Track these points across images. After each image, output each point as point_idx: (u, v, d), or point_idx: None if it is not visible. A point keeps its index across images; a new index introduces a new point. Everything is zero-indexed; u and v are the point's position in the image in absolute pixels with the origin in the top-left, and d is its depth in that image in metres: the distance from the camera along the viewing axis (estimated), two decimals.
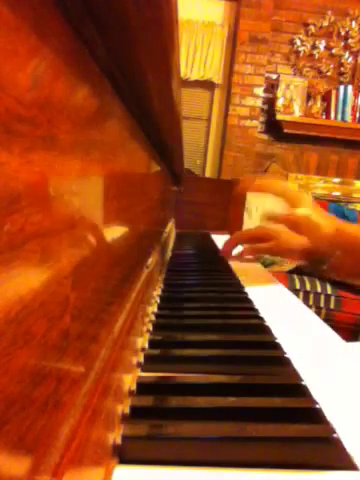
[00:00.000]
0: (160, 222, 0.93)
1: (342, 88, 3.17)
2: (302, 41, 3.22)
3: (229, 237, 1.01)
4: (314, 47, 3.24)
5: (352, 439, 0.28)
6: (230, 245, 0.98)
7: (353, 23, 3.22)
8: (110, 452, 0.25)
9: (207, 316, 0.55)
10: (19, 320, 0.15)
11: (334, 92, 3.17)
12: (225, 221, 1.80)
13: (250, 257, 1.02)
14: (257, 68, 3.20)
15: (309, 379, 0.36)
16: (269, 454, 0.27)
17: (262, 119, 3.28)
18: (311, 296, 1.67)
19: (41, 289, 0.17)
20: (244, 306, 0.59)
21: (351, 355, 0.47)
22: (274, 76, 3.22)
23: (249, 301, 0.62)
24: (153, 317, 0.52)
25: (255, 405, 0.31)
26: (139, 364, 0.38)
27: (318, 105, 3.18)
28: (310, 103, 3.19)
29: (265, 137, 3.30)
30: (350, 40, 3.24)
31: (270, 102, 3.23)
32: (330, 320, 1.56)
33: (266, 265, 1.76)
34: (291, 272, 1.84)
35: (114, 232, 0.34)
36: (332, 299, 1.65)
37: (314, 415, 0.30)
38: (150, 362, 0.39)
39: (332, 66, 3.26)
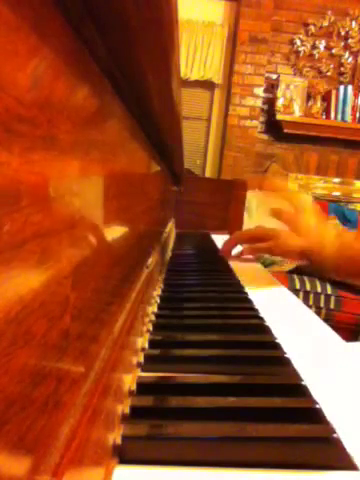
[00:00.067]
0: (160, 222, 0.93)
1: (342, 88, 3.17)
2: (302, 41, 3.23)
3: (229, 237, 1.01)
4: (314, 47, 3.24)
5: (352, 439, 0.28)
6: (229, 245, 0.99)
7: (353, 23, 3.23)
8: (110, 452, 0.25)
9: (207, 316, 0.55)
10: (19, 320, 0.15)
11: (334, 92, 3.17)
12: (225, 221, 1.80)
13: (250, 257, 1.02)
14: (257, 68, 3.20)
15: (309, 379, 0.36)
16: (269, 454, 0.27)
17: (262, 119, 3.29)
18: (311, 296, 1.67)
19: (41, 289, 0.17)
20: (244, 306, 0.59)
21: (351, 355, 0.47)
22: (274, 76, 3.22)
23: (249, 301, 0.62)
24: (153, 317, 0.52)
25: (255, 405, 0.31)
26: (139, 364, 0.38)
27: (318, 105, 3.18)
28: (310, 103, 3.19)
29: (265, 137, 3.30)
30: (350, 40, 3.24)
31: (270, 102, 3.24)
32: (330, 320, 1.56)
33: (266, 265, 1.76)
34: (291, 272, 1.84)
35: (114, 232, 0.34)
36: (332, 299, 1.65)
37: (314, 415, 0.30)
38: (150, 362, 0.39)
39: (332, 66, 3.27)
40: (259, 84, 3.22)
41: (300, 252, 0.83)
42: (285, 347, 0.43)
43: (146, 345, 0.43)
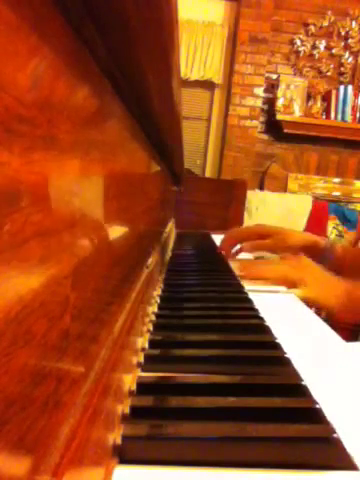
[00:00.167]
0: (160, 222, 0.93)
1: (342, 88, 3.17)
2: (302, 41, 3.22)
3: (226, 233, 0.99)
4: (314, 47, 3.23)
5: (352, 439, 0.28)
6: (230, 243, 0.98)
7: (353, 23, 3.22)
8: (110, 452, 0.25)
9: (207, 316, 0.55)
10: (19, 320, 0.15)
11: (334, 92, 3.17)
12: (225, 221, 1.80)
13: (250, 258, 1.02)
14: (257, 68, 3.20)
15: (309, 379, 0.36)
16: (269, 454, 0.27)
17: (262, 119, 3.28)
18: None
19: (41, 289, 0.17)
20: (244, 306, 0.59)
21: (351, 355, 0.47)
22: (274, 76, 3.22)
23: (249, 301, 0.62)
24: (153, 317, 0.52)
25: (255, 405, 0.31)
26: (139, 364, 0.38)
27: (318, 105, 3.18)
28: (310, 103, 3.19)
29: (265, 137, 3.30)
30: (350, 40, 3.24)
31: (270, 102, 3.23)
32: (330, 320, 1.56)
33: None
34: None
35: (114, 232, 0.34)
36: None
37: (314, 415, 0.30)
38: (150, 362, 0.39)
39: (332, 66, 3.26)
40: (259, 84, 3.22)
41: (301, 248, 0.82)
42: (285, 347, 0.43)
43: (146, 345, 0.43)
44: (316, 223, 2.88)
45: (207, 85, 3.28)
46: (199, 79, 3.21)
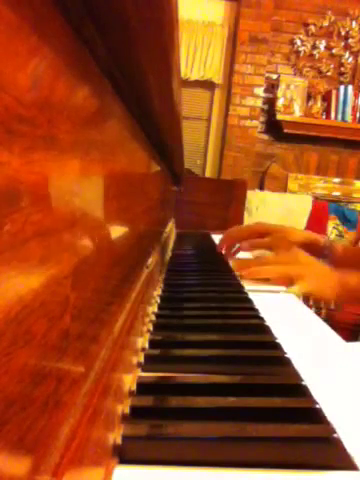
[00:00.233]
0: (160, 222, 0.93)
1: (342, 88, 3.17)
2: (302, 41, 3.22)
3: (225, 232, 0.99)
4: (314, 47, 3.23)
5: (352, 439, 0.28)
6: (227, 242, 0.98)
7: (353, 23, 3.22)
8: (110, 452, 0.25)
9: (207, 316, 0.55)
10: (19, 320, 0.15)
11: (334, 92, 3.17)
12: (225, 221, 1.80)
13: (249, 257, 1.02)
14: (257, 68, 3.20)
15: (309, 379, 0.36)
16: (269, 454, 0.27)
17: (262, 119, 3.28)
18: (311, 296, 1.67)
19: (41, 289, 0.17)
20: (244, 306, 0.59)
21: (351, 355, 0.47)
22: (274, 76, 3.22)
23: (249, 301, 0.62)
24: (153, 317, 0.52)
25: (255, 405, 0.31)
26: (139, 364, 0.38)
27: (318, 105, 3.18)
28: (310, 103, 3.19)
29: (265, 137, 3.30)
30: (350, 40, 3.24)
31: (270, 102, 3.23)
32: (330, 320, 1.56)
33: None
34: None
35: (114, 232, 0.34)
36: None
37: (314, 415, 0.30)
38: (150, 362, 0.39)
39: (332, 66, 3.26)
40: (259, 84, 3.22)
41: (300, 245, 0.83)
42: (285, 347, 0.43)
43: (146, 345, 0.43)
44: (316, 223, 2.88)
45: (207, 85, 3.28)
46: (199, 79, 3.21)
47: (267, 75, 3.23)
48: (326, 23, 3.21)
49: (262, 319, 0.52)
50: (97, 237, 0.28)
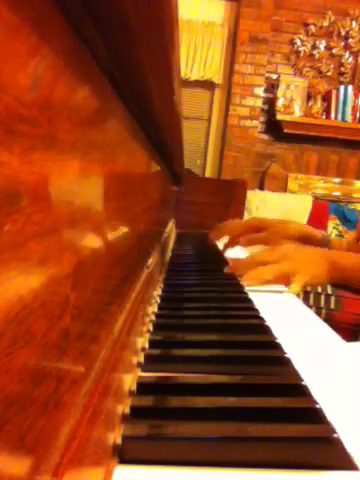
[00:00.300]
0: (160, 222, 0.93)
1: (342, 88, 3.17)
2: (302, 41, 3.22)
3: (222, 224, 1.00)
4: (314, 47, 3.23)
5: (352, 439, 0.28)
6: (221, 235, 0.98)
7: (353, 23, 3.22)
8: (110, 452, 0.25)
9: (207, 316, 0.55)
10: (19, 320, 0.15)
11: (334, 92, 3.17)
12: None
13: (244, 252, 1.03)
14: (257, 68, 3.20)
15: (309, 379, 0.36)
16: (269, 454, 0.27)
17: (262, 119, 3.28)
18: (311, 296, 1.67)
19: (41, 289, 0.17)
20: (244, 306, 0.59)
21: (351, 355, 0.47)
22: (274, 76, 3.22)
23: (249, 301, 0.62)
24: (153, 317, 0.52)
25: (255, 405, 0.31)
26: (139, 364, 0.38)
27: (318, 105, 3.18)
28: (310, 103, 3.19)
29: (265, 137, 3.30)
30: (350, 40, 3.24)
31: (270, 102, 3.23)
32: (330, 320, 1.56)
33: None
34: None
35: (114, 232, 0.34)
36: (332, 299, 1.65)
37: (314, 415, 0.30)
38: (150, 362, 0.39)
39: (332, 66, 3.26)
40: (259, 84, 3.22)
41: (296, 238, 0.83)
42: (285, 347, 0.43)
43: (146, 345, 0.43)
44: (316, 223, 2.88)
45: (207, 85, 3.28)
46: (199, 79, 3.21)
47: (267, 75, 3.23)
48: (326, 23, 3.21)
49: (262, 319, 0.52)
50: (97, 237, 0.28)
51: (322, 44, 3.24)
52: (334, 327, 0.55)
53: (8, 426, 0.14)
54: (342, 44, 3.25)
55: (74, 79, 0.21)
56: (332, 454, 0.27)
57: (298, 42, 3.23)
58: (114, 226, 0.35)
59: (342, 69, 3.27)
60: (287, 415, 0.30)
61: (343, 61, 3.26)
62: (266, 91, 3.25)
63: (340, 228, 2.90)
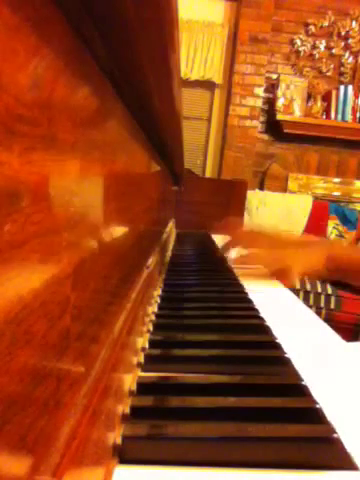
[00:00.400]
0: (160, 222, 0.93)
1: (342, 88, 3.17)
2: (302, 41, 3.22)
3: (234, 233, 1.01)
4: (314, 47, 3.23)
5: (352, 439, 0.28)
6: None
7: (353, 23, 3.22)
8: (110, 452, 0.25)
9: (207, 316, 0.55)
10: (19, 320, 0.15)
11: (334, 92, 3.17)
12: None
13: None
14: (257, 68, 3.20)
15: (309, 379, 0.36)
16: (269, 454, 0.27)
17: (262, 119, 3.28)
18: (311, 296, 1.67)
19: (41, 289, 0.17)
20: (244, 306, 0.59)
21: (351, 355, 0.47)
22: (274, 76, 3.22)
23: (249, 301, 0.62)
24: (153, 317, 0.52)
25: (255, 405, 0.31)
26: (139, 364, 0.38)
27: (318, 105, 3.18)
28: (310, 103, 3.19)
29: (265, 137, 3.30)
30: (350, 40, 3.24)
31: (270, 102, 3.23)
32: (330, 320, 1.56)
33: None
34: None
35: (114, 232, 0.34)
36: (332, 299, 1.65)
37: (314, 415, 0.30)
38: (150, 362, 0.39)
39: (332, 66, 3.26)
40: (259, 84, 3.22)
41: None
42: (285, 347, 0.43)
43: (146, 345, 0.43)
44: (316, 223, 2.88)
45: (207, 85, 3.28)
46: (199, 79, 3.21)
47: (267, 75, 3.23)
48: (326, 23, 3.21)
49: (262, 319, 0.52)
50: (97, 237, 0.28)
51: (322, 44, 3.24)
52: (334, 327, 0.55)
53: (8, 426, 0.14)
54: (342, 44, 3.25)
55: (74, 79, 0.21)
56: (332, 454, 0.27)
57: (298, 42, 3.23)
58: (114, 226, 0.35)
59: (342, 69, 3.27)
60: (287, 415, 0.30)
61: (343, 61, 3.26)
62: (266, 91, 3.26)
63: (340, 228, 2.90)
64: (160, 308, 0.57)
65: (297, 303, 0.69)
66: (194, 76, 3.19)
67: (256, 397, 0.32)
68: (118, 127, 0.35)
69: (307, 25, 3.21)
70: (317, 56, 3.24)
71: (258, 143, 3.27)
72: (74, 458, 0.18)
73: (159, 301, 0.60)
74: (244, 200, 1.94)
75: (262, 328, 0.49)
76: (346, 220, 2.93)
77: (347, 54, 3.26)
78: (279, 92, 3.13)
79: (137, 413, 0.30)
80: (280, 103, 3.13)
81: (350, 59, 3.26)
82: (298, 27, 3.22)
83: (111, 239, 0.33)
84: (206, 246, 1.27)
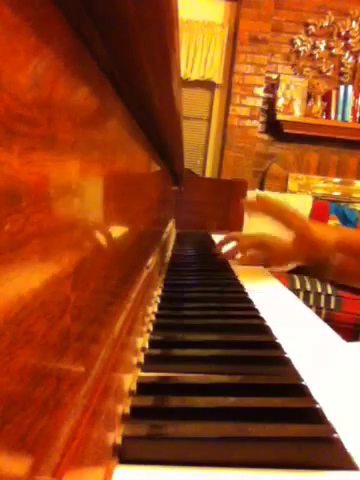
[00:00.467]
0: (160, 222, 0.93)
1: (342, 88, 3.16)
2: (302, 41, 3.22)
3: (226, 237, 1.01)
4: (314, 47, 3.23)
5: (352, 439, 0.28)
6: (229, 240, 0.99)
7: (353, 23, 3.22)
8: (110, 452, 0.25)
9: (207, 316, 0.55)
10: (19, 320, 0.15)
11: (334, 92, 3.17)
12: (225, 221, 1.80)
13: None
14: (257, 68, 3.20)
15: (309, 379, 0.36)
16: (269, 454, 0.27)
17: (262, 119, 3.28)
18: (311, 296, 1.67)
19: (41, 289, 0.17)
20: (244, 306, 0.59)
21: (351, 355, 0.47)
22: (274, 76, 3.22)
23: (249, 301, 0.62)
24: (153, 317, 0.52)
25: (255, 405, 0.31)
26: (139, 364, 0.38)
27: (318, 105, 3.17)
28: (310, 103, 3.19)
29: (265, 137, 3.30)
30: (350, 40, 3.24)
31: (270, 102, 3.23)
32: (330, 320, 1.56)
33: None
34: (291, 272, 1.84)
35: (114, 232, 0.34)
36: (332, 299, 1.65)
37: (314, 415, 0.30)
38: (150, 362, 0.39)
39: (332, 66, 3.26)
40: (259, 84, 3.22)
41: (300, 260, 0.85)
42: (285, 347, 0.43)
43: (146, 345, 0.43)
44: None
45: (207, 85, 3.28)
46: (199, 79, 3.21)
47: (267, 75, 3.23)
48: (326, 23, 3.21)
49: (262, 319, 0.52)
50: (97, 237, 0.28)
51: (322, 44, 3.24)
52: (334, 327, 0.55)
53: (8, 426, 0.14)
54: (342, 44, 3.25)
55: (74, 79, 0.21)
56: (332, 454, 0.27)
57: (298, 42, 3.22)
58: (114, 226, 0.35)
59: (342, 69, 3.27)
60: (287, 415, 0.30)
61: (343, 61, 3.26)
62: (266, 91, 3.25)
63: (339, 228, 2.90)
64: (160, 308, 0.57)
65: (297, 303, 0.69)
66: (194, 76, 3.19)
67: (256, 397, 0.32)
68: (118, 127, 0.35)
69: (307, 25, 3.21)
70: (317, 56, 3.24)
71: (258, 143, 3.27)
72: (74, 458, 0.18)
73: (159, 301, 0.60)
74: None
75: (262, 328, 0.49)
76: (346, 220, 2.92)
77: (347, 54, 3.26)
78: (279, 92, 3.13)
79: (137, 413, 0.30)
80: (280, 103, 3.13)
81: (350, 59, 3.26)
82: (298, 27, 3.22)
83: (111, 239, 0.33)
84: (206, 246, 1.27)
